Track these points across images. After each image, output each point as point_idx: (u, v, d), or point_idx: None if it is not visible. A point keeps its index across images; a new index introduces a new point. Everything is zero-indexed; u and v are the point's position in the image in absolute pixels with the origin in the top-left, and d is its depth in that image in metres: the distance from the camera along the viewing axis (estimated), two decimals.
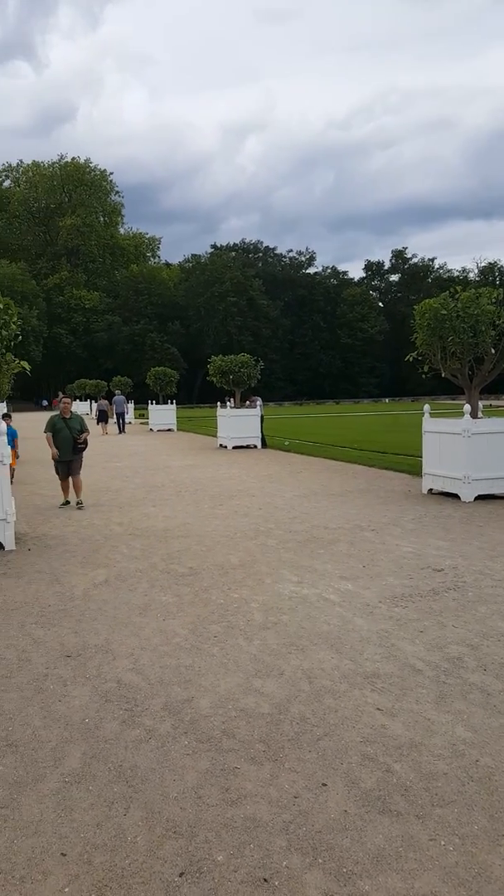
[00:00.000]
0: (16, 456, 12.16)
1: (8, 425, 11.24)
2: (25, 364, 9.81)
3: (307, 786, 3.16)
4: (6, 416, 12.51)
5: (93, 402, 35.40)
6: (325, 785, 3.15)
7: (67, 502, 11.28)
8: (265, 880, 2.58)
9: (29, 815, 3.01)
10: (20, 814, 3.02)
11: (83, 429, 11.10)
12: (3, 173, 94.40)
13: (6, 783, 3.25)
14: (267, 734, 3.62)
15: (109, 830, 2.89)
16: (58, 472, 11.34)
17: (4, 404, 23.26)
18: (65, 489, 11.37)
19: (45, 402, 78.39)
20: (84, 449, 10.99)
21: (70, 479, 11.18)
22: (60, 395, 17.99)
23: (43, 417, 14.51)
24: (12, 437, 11.14)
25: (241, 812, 2.99)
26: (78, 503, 11.04)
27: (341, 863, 2.64)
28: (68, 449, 10.81)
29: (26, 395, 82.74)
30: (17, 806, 3.07)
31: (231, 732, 3.64)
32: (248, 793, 3.12)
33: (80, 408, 50.70)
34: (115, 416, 31.83)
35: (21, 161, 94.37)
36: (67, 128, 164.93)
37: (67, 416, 11.01)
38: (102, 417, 32.05)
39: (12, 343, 8.34)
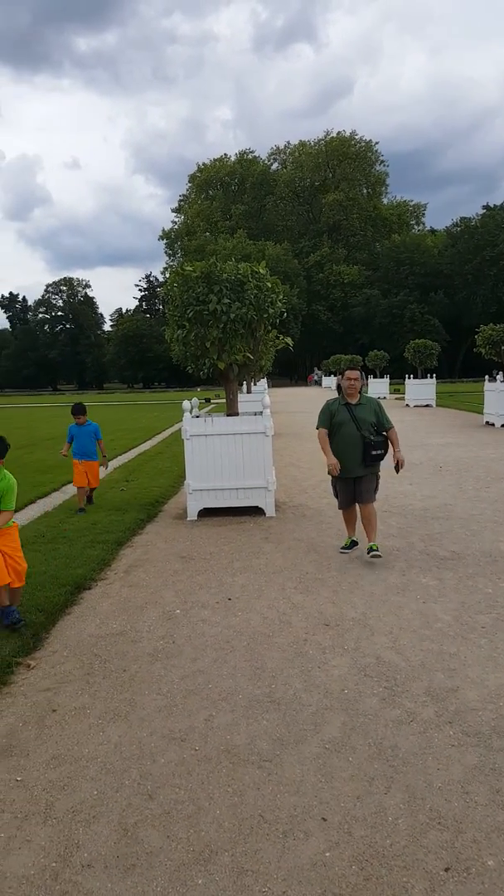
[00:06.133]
0: (103, 462, 9.67)
1: (85, 422, 9.30)
2: (289, 340, 10.18)
3: None
4: (79, 410, 9.36)
5: (339, 376, 35.87)
6: None
7: (354, 542, 6.83)
8: None
9: (291, 774, 3.10)
10: (283, 771, 3.12)
11: (382, 422, 6.46)
12: (272, 157, 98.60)
13: (270, 739, 3.39)
14: None
15: (370, 806, 2.86)
16: (336, 494, 6.79)
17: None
18: (350, 523, 6.85)
19: (296, 378, 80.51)
20: (381, 458, 6.42)
21: (357, 507, 6.66)
22: (316, 370, 17.39)
23: (300, 392, 14.60)
24: (96, 436, 9.33)
25: None
26: (371, 550, 6.31)
27: None
28: (356, 455, 6.34)
29: (284, 372, 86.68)
30: (280, 763, 3.19)
31: (502, 731, 3.38)
32: None
33: (326, 383, 50.91)
34: None
35: (288, 143, 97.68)
36: (343, 103, 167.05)
37: (354, 402, 6.55)
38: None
39: (277, 321, 8.67)
